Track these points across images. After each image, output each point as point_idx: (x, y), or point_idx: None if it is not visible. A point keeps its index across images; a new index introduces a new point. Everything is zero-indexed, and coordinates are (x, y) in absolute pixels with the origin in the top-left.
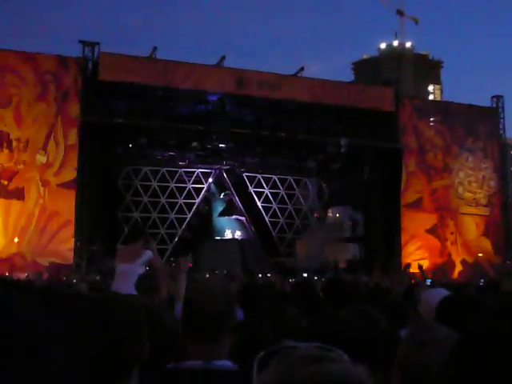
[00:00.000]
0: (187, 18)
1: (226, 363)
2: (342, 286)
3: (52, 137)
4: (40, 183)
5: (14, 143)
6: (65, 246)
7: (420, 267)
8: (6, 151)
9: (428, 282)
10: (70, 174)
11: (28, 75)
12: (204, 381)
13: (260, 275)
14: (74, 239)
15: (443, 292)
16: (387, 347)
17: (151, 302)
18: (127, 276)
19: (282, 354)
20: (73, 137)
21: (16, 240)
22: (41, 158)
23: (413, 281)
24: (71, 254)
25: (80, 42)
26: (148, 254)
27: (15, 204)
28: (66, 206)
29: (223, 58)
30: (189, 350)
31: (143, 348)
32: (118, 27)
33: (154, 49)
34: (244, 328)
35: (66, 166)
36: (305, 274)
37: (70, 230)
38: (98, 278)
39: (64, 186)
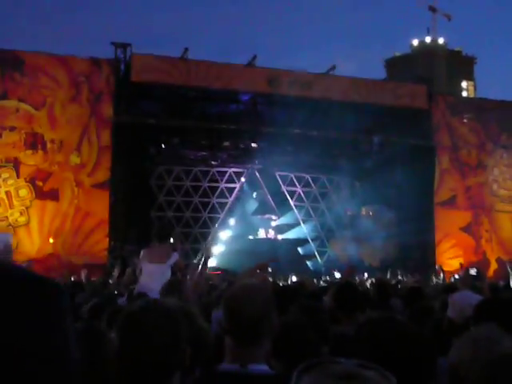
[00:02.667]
0: (218, 18)
1: (263, 367)
2: (354, 292)
3: (85, 138)
4: (74, 184)
5: (49, 145)
6: (99, 246)
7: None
8: (40, 152)
9: (473, 271)
10: (103, 174)
11: (61, 77)
12: None
13: (294, 277)
14: (108, 239)
15: (472, 295)
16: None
17: (187, 305)
18: (156, 276)
19: (318, 368)
20: (106, 138)
21: (51, 240)
22: (75, 159)
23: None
24: (105, 254)
25: (112, 43)
26: (175, 256)
27: (50, 205)
28: (100, 206)
29: (255, 57)
30: (227, 351)
31: (185, 353)
32: (150, 28)
33: (186, 49)
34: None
35: (99, 166)
36: (338, 275)
37: (104, 230)
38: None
39: (98, 186)
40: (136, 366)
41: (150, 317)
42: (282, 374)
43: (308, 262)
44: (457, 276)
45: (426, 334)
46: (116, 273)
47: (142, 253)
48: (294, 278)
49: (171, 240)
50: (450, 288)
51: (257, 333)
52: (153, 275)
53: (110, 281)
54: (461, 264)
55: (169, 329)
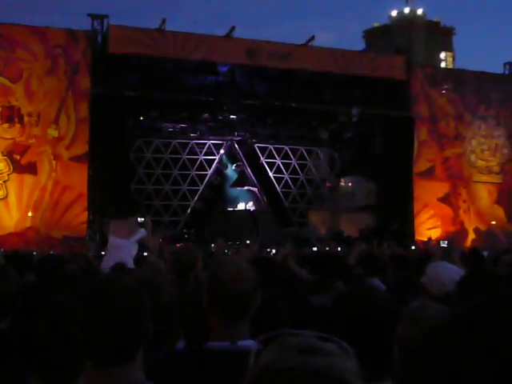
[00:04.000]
0: None
1: (251, 343)
2: (335, 261)
3: (63, 111)
4: (52, 157)
5: (26, 118)
6: (78, 219)
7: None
8: (17, 126)
9: (444, 244)
10: (81, 147)
11: (38, 49)
12: (232, 362)
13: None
14: (86, 212)
15: (451, 267)
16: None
17: (155, 277)
18: (121, 250)
19: (277, 341)
20: (84, 110)
21: (30, 214)
22: (52, 132)
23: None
24: (84, 227)
25: (89, 15)
26: (142, 232)
27: (28, 178)
28: (79, 179)
29: (233, 28)
30: (211, 329)
31: (147, 329)
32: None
33: (163, 21)
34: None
35: (77, 139)
36: (314, 248)
37: (83, 204)
38: None
39: (76, 159)
40: (97, 342)
41: (111, 291)
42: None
43: (287, 232)
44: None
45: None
46: (93, 248)
47: (110, 226)
48: (274, 251)
49: (138, 216)
50: (423, 258)
51: (246, 310)
52: (119, 248)
53: (89, 254)
54: (429, 238)
55: (131, 304)
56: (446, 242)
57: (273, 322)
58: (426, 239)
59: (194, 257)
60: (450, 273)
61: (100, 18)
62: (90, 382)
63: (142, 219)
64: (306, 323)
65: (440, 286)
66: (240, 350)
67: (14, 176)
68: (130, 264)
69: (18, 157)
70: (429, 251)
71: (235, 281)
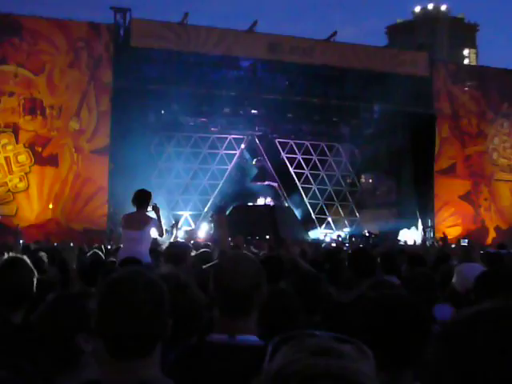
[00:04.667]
0: None
1: (251, 338)
2: (368, 257)
3: (85, 104)
4: (73, 150)
5: (48, 110)
6: (98, 212)
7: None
8: (39, 118)
9: (464, 242)
10: (102, 140)
11: (60, 42)
12: (228, 355)
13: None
14: (107, 205)
15: (479, 267)
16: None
17: (178, 273)
18: (136, 242)
19: (293, 342)
20: (105, 103)
21: (50, 206)
22: (74, 125)
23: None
24: (105, 220)
25: (111, 8)
26: (155, 222)
27: (49, 170)
28: (100, 172)
29: (255, 22)
30: (215, 322)
31: (165, 324)
32: None
33: (186, 14)
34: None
35: (98, 132)
36: (333, 244)
37: (104, 196)
38: None
39: (97, 152)
40: (114, 336)
41: (130, 285)
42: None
43: (307, 230)
44: (453, 246)
45: (425, 314)
46: (115, 240)
47: (122, 219)
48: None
49: (149, 207)
50: (442, 257)
51: (246, 305)
52: (132, 241)
53: (109, 246)
54: (444, 234)
55: (150, 298)
56: (467, 240)
57: (287, 320)
58: (442, 235)
59: (183, 250)
60: (476, 270)
61: (123, 11)
62: (106, 373)
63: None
64: (329, 320)
65: (465, 282)
66: (238, 343)
67: (35, 168)
68: (146, 255)
69: (40, 149)
70: (447, 250)
71: (233, 276)
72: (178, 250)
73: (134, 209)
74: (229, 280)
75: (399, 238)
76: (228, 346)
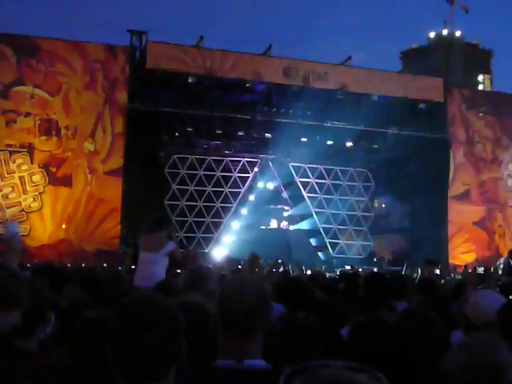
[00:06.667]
0: (234, 7)
1: (258, 362)
2: (384, 282)
3: (100, 125)
4: (87, 170)
5: (63, 131)
6: (111, 233)
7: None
8: (54, 139)
9: (480, 269)
10: (117, 161)
11: (77, 64)
12: (235, 381)
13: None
14: (120, 226)
15: (495, 295)
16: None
17: (200, 299)
18: (152, 264)
19: (308, 373)
20: (120, 125)
21: (63, 226)
22: (88, 146)
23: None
24: (117, 241)
25: (128, 31)
26: (172, 245)
27: (63, 191)
28: (113, 193)
29: (270, 46)
30: (219, 347)
31: (181, 348)
32: (166, 16)
33: (201, 38)
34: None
35: (113, 153)
36: (348, 267)
37: (117, 218)
38: None
39: (111, 173)
40: (129, 358)
41: (145, 307)
42: (279, 368)
43: (320, 254)
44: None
45: (415, 338)
46: (128, 261)
47: (139, 241)
48: (309, 272)
49: (167, 229)
50: (459, 284)
51: (250, 328)
52: (147, 264)
53: (120, 268)
54: (466, 265)
55: (165, 321)
56: (483, 268)
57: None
58: (462, 264)
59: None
60: (492, 301)
61: (139, 33)
62: None
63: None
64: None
65: (480, 315)
66: (246, 368)
67: (49, 188)
68: (162, 277)
69: (54, 169)
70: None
71: (235, 298)
72: (200, 275)
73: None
74: (231, 303)
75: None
76: (236, 371)
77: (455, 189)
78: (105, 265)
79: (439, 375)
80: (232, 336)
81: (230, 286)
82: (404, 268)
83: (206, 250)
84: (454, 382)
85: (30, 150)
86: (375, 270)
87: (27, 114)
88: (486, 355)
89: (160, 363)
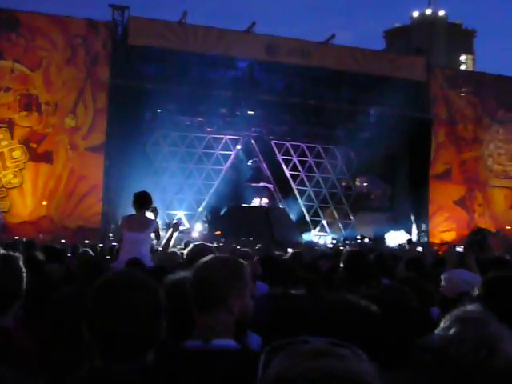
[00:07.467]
0: None
1: (227, 342)
2: (363, 260)
3: (81, 100)
4: (68, 146)
5: (43, 106)
6: (92, 210)
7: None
8: (35, 114)
9: (460, 248)
10: (98, 137)
11: (58, 39)
12: (202, 363)
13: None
14: (101, 203)
15: (466, 273)
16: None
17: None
18: (138, 244)
19: (289, 348)
20: (101, 101)
21: (44, 203)
22: (70, 122)
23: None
24: (99, 219)
25: (110, 6)
26: (155, 225)
27: (44, 167)
28: (94, 170)
29: (253, 24)
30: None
31: (161, 327)
32: None
33: (184, 13)
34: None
35: (94, 129)
36: (330, 245)
37: (98, 195)
38: None
39: (92, 149)
40: (109, 336)
41: (127, 285)
42: (247, 348)
43: (301, 232)
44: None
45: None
46: (110, 238)
47: (121, 221)
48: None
49: (150, 209)
50: (438, 263)
51: (218, 298)
52: (134, 244)
53: (101, 244)
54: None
55: (147, 299)
56: (462, 246)
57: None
58: (439, 242)
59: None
60: (464, 275)
61: (121, 9)
62: (95, 378)
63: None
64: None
65: (453, 287)
66: (213, 349)
67: (29, 164)
68: (148, 258)
69: (35, 145)
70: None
71: (201, 270)
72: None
73: (128, 208)
74: (198, 273)
75: (386, 239)
76: (202, 353)
77: (436, 168)
78: (86, 241)
79: (429, 350)
80: (201, 309)
81: (206, 258)
82: (382, 245)
83: (188, 227)
84: (450, 357)
85: (10, 125)
86: (356, 248)
87: (7, 89)
88: (480, 328)
89: (139, 343)
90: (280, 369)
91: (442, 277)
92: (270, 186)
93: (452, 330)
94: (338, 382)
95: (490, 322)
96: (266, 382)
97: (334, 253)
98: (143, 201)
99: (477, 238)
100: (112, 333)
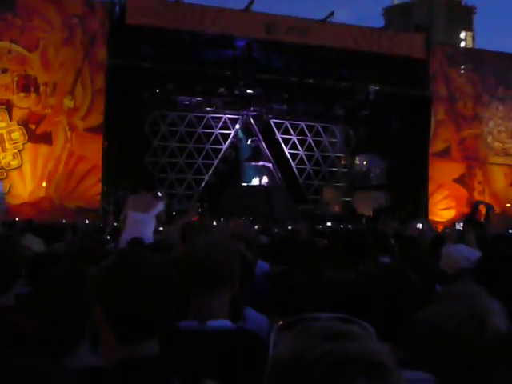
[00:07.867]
0: None
1: (222, 323)
2: (364, 237)
3: (79, 81)
4: (67, 127)
5: (42, 87)
6: (92, 190)
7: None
8: (33, 95)
9: (459, 226)
10: (97, 118)
11: (55, 19)
12: (198, 343)
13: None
14: (100, 184)
15: (465, 247)
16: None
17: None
18: (141, 224)
19: (300, 327)
20: (100, 81)
21: (44, 184)
22: (68, 103)
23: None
24: (98, 199)
25: None
26: (161, 206)
27: (43, 148)
28: (93, 150)
29: (251, 2)
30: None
31: (172, 306)
32: None
33: None
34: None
35: (93, 110)
36: (329, 223)
37: (97, 175)
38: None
39: (91, 130)
40: (115, 317)
41: (139, 268)
42: (243, 328)
43: (301, 209)
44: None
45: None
46: (111, 219)
47: (128, 201)
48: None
49: (155, 191)
50: (437, 240)
51: (212, 281)
52: (137, 223)
53: (101, 225)
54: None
55: (165, 277)
56: (462, 224)
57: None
58: (442, 220)
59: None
60: (464, 251)
61: None
62: (111, 358)
63: (159, 193)
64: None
65: (453, 263)
66: (209, 330)
67: (28, 145)
68: (150, 238)
69: (34, 126)
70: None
71: (201, 251)
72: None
73: (127, 188)
74: (197, 255)
75: None
76: (198, 333)
77: (436, 145)
78: (87, 221)
79: (421, 324)
80: (204, 289)
81: (196, 242)
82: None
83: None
84: (441, 331)
85: (9, 106)
86: (355, 226)
87: (4, 70)
88: (471, 302)
89: (149, 324)
90: (296, 351)
91: (443, 253)
92: (270, 164)
93: (444, 305)
94: (356, 365)
95: (481, 295)
96: (279, 362)
97: (330, 231)
98: (149, 182)
99: (473, 216)
100: (131, 311)
